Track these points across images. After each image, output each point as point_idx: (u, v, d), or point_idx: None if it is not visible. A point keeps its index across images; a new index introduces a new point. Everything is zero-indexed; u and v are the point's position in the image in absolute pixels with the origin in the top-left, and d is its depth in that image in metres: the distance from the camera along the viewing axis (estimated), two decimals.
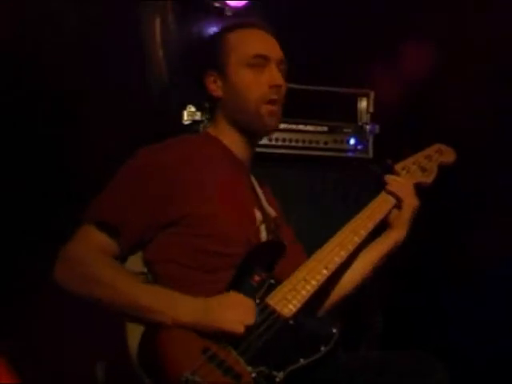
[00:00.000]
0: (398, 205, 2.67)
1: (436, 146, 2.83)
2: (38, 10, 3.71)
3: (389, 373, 2.48)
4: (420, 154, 2.79)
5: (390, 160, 2.80)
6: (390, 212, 2.66)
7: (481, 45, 4.33)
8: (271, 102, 2.58)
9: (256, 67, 2.58)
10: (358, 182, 3.79)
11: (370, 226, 2.59)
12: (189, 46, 3.62)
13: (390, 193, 2.68)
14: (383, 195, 2.69)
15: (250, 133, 2.65)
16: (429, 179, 2.76)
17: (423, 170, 2.77)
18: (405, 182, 2.71)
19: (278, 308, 2.39)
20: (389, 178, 2.73)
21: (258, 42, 2.62)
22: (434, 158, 2.81)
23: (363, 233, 2.56)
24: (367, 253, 2.69)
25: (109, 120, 3.55)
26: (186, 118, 3.66)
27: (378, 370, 2.52)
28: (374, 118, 3.91)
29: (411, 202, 2.67)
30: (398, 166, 2.76)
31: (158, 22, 3.73)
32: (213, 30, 2.91)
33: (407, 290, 4.15)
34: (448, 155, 2.81)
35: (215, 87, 2.62)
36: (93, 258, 2.41)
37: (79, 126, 3.59)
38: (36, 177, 3.70)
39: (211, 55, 2.63)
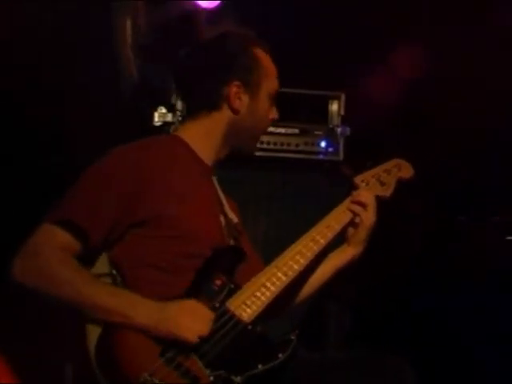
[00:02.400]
0: (355, 221, 2.67)
1: (395, 161, 2.82)
2: (15, 12, 3.68)
3: (355, 372, 2.51)
4: (379, 168, 2.80)
5: (349, 172, 2.82)
6: (348, 224, 2.66)
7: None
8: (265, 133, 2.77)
9: (271, 100, 2.65)
10: (328, 184, 3.79)
11: (330, 235, 2.59)
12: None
13: (353, 202, 2.68)
14: (345, 204, 2.68)
15: (235, 151, 2.67)
16: (387, 193, 2.75)
17: (382, 183, 2.77)
18: (369, 197, 2.70)
19: (237, 313, 2.39)
20: (361, 191, 2.72)
21: (277, 78, 2.68)
22: (392, 172, 2.80)
23: (322, 242, 2.55)
24: (325, 265, 2.70)
25: (80, 120, 3.52)
26: (156, 119, 3.66)
27: (344, 370, 2.54)
28: (346, 120, 3.91)
29: (370, 220, 2.67)
30: (357, 179, 2.76)
31: (128, 23, 3.72)
32: (233, 36, 2.78)
33: (375, 291, 4.16)
34: (406, 171, 2.81)
35: (239, 101, 2.60)
36: (53, 256, 2.38)
37: (52, 126, 3.57)
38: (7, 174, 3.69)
39: (239, 65, 2.61)
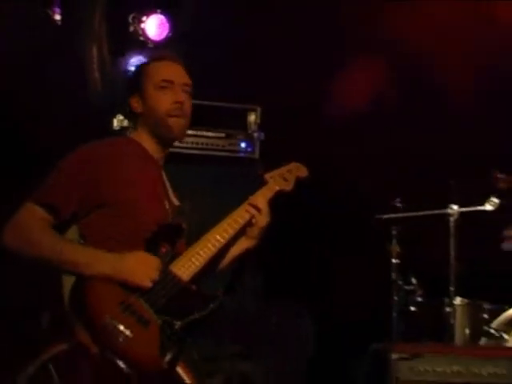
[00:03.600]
0: (252, 221, 2.84)
1: (294, 164, 3.05)
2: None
3: (265, 318, 2.97)
4: (283, 168, 3.02)
5: (261, 171, 3.05)
6: (248, 221, 2.82)
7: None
8: (175, 115, 2.78)
9: (164, 89, 2.80)
10: (246, 176, 4.15)
11: (236, 227, 2.79)
12: (122, 78, 3.82)
13: (251, 206, 2.84)
14: (247, 205, 2.85)
15: (161, 139, 2.83)
16: (289, 187, 2.98)
17: (285, 180, 2.98)
18: (263, 201, 2.87)
19: (178, 273, 2.61)
20: (257, 196, 2.89)
21: (166, 70, 2.84)
22: (293, 172, 3.02)
23: (236, 227, 2.79)
24: (234, 247, 2.90)
25: (55, 125, 3.82)
26: (115, 124, 3.97)
27: (257, 317, 2.98)
28: (261, 127, 4.38)
29: (263, 221, 2.85)
30: (267, 175, 2.97)
31: (94, 49, 4.03)
32: (139, 62, 3.18)
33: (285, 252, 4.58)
34: (302, 171, 3.05)
35: (137, 105, 2.82)
36: (35, 226, 2.60)
37: (33, 129, 3.83)
38: None
39: (135, 84, 2.86)
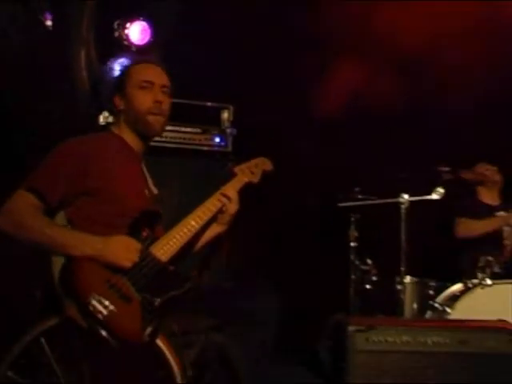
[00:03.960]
0: (223, 209, 2.89)
1: (261, 158, 3.10)
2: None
3: (235, 295, 2.82)
4: (251, 162, 3.06)
5: (231, 165, 3.18)
6: (220, 209, 2.87)
7: None
8: (154, 113, 2.82)
9: (144, 89, 2.84)
10: (220, 168, 4.18)
11: (209, 214, 2.83)
12: (107, 78, 3.84)
13: (222, 195, 2.89)
14: (219, 195, 2.89)
15: (141, 134, 2.87)
16: (256, 179, 3.02)
17: (253, 173, 3.02)
18: (233, 191, 2.92)
19: (157, 255, 2.64)
20: (228, 186, 2.93)
21: (147, 72, 2.88)
22: (259, 165, 3.06)
23: (209, 214, 2.84)
24: (206, 232, 2.94)
25: (49, 120, 3.84)
26: (101, 120, 3.96)
27: (227, 295, 2.85)
28: (233, 124, 4.41)
29: (233, 209, 2.91)
30: (236, 169, 3.02)
31: (82, 52, 4.05)
32: (123, 64, 3.24)
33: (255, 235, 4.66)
34: (268, 165, 3.09)
35: (119, 103, 2.87)
36: (27, 212, 2.60)
37: (26, 123, 3.85)
38: None
39: (118, 84, 2.90)
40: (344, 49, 5.07)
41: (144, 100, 2.83)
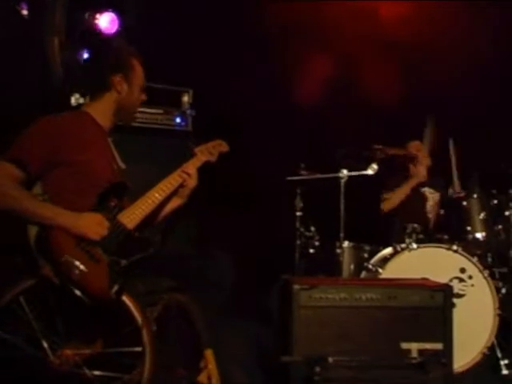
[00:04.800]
0: (183, 184, 2.94)
1: (218, 141, 3.12)
2: None
3: (194, 261, 2.83)
4: (210, 143, 3.09)
5: (191, 145, 3.08)
6: (181, 184, 2.92)
7: None
8: (138, 109, 2.98)
9: (141, 91, 2.92)
10: (180, 146, 3.96)
11: (171, 188, 2.88)
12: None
13: (183, 172, 2.93)
14: (180, 171, 2.92)
15: (121, 120, 2.92)
16: (213, 159, 3.06)
17: (210, 153, 3.06)
18: (193, 169, 2.95)
19: (124, 222, 2.68)
20: (188, 164, 2.96)
21: (143, 76, 2.93)
22: (216, 147, 3.09)
23: (170, 187, 2.88)
24: (168, 204, 2.97)
25: (23, 102, 3.75)
26: (73, 101, 3.93)
27: (187, 259, 2.86)
28: (193, 105, 4.38)
29: (192, 184, 2.96)
30: (196, 149, 3.05)
31: (56, 39, 3.98)
32: (118, 46, 3.10)
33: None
34: (224, 146, 3.12)
35: (120, 87, 2.85)
36: (7, 182, 2.57)
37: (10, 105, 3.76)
38: None
39: (121, 65, 2.86)
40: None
41: (140, 99, 2.93)
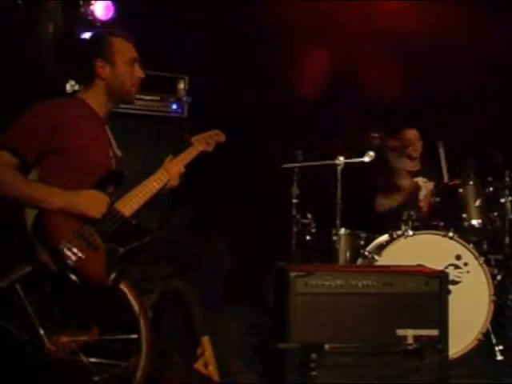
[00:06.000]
0: (168, 182, 2.88)
1: (215, 131, 3.12)
2: None
3: (191, 247, 2.84)
4: (207, 133, 3.09)
5: (188, 135, 3.08)
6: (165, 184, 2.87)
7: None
8: (137, 87, 2.88)
9: (131, 65, 2.86)
10: (177, 132, 4.20)
11: (164, 180, 2.85)
12: (80, 40, 3.76)
13: (166, 171, 2.88)
14: (163, 170, 2.88)
15: (118, 101, 2.90)
16: (210, 148, 3.06)
17: (207, 143, 3.06)
18: (177, 170, 2.91)
19: (122, 210, 2.68)
20: (171, 164, 2.91)
21: (132, 50, 2.89)
22: (213, 137, 3.09)
23: (164, 179, 2.85)
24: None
25: (24, 87, 3.74)
26: (68, 88, 3.93)
27: (184, 245, 2.85)
28: (189, 92, 4.39)
29: (172, 184, 2.92)
30: (193, 139, 3.04)
31: (51, 26, 3.97)
32: (98, 31, 3.11)
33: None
34: (221, 137, 3.12)
35: (102, 71, 2.82)
36: (4, 169, 2.58)
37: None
38: None
39: (101, 49, 2.84)
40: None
41: (131, 75, 2.85)
